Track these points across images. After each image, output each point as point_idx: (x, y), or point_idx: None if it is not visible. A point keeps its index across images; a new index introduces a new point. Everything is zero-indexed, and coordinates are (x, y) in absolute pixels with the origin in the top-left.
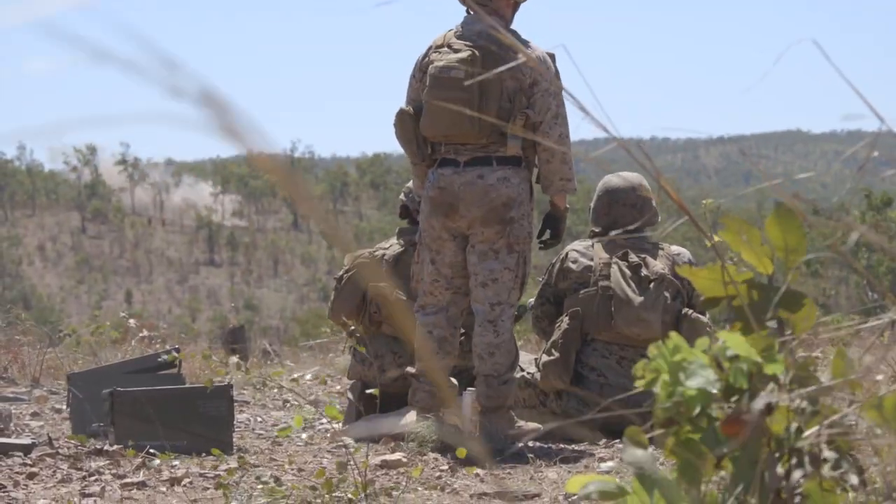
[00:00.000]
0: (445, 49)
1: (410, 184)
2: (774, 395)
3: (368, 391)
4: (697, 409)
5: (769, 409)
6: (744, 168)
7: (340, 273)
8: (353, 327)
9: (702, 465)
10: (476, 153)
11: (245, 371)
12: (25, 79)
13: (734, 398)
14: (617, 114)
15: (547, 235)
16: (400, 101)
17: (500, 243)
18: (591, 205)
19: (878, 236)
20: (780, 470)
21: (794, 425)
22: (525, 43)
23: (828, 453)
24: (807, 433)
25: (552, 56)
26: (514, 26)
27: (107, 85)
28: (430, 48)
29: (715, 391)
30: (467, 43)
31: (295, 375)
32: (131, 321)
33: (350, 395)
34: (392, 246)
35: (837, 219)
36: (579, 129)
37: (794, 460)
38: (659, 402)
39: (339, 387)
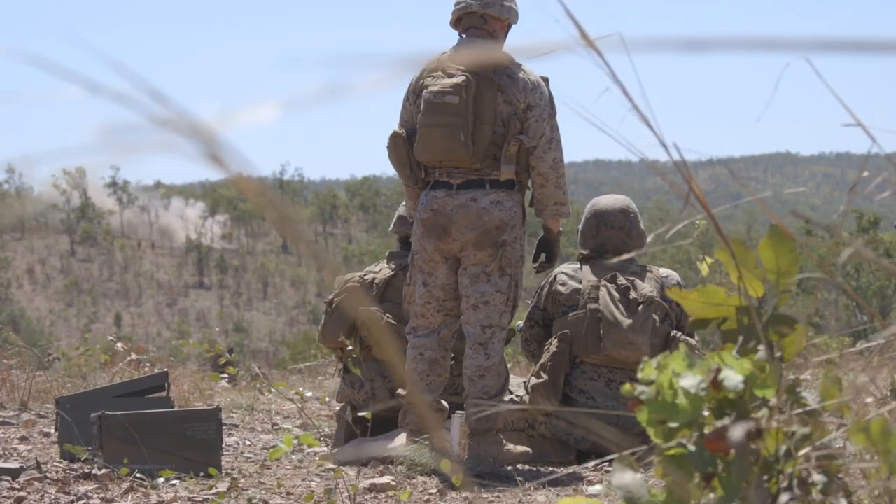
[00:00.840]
0: (440, 73)
1: (401, 210)
2: (754, 423)
3: (360, 414)
4: (688, 408)
5: (758, 431)
6: (733, 190)
7: (330, 297)
8: (349, 347)
9: (690, 487)
10: (469, 176)
11: (253, 376)
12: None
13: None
14: (606, 136)
15: (542, 259)
16: (391, 123)
17: (492, 266)
18: (580, 227)
19: (871, 253)
20: (768, 493)
21: (783, 447)
22: (519, 66)
23: (816, 476)
24: (796, 456)
25: (546, 81)
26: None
27: (95, 112)
28: (423, 71)
29: (704, 392)
30: (461, 67)
31: (299, 389)
32: (119, 344)
33: (341, 418)
34: (382, 270)
35: (833, 235)
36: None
37: (783, 483)
38: (649, 406)
39: (327, 410)
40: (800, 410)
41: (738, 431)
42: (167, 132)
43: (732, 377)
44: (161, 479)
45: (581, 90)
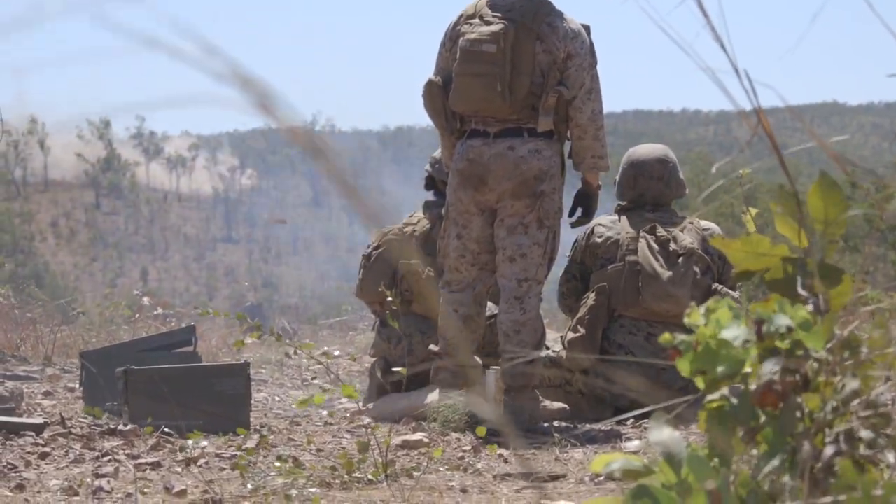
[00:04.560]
0: (477, 20)
1: (437, 154)
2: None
3: (396, 369)
4: (730, 359)
5: (805, 384)
6: (778, 141)
7: (369, 250)
8: (390, 299)
9: (734, 441)
10: (507, 124)
11: (276, 336)
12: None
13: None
14: (648, 85)
15: (579, 213)
16: (426, 72)
17: (529, 217)
18: (617, 178)
19: None
20: (814, 448)
21: (830, 402)
22: (560, 15)
23: (863, 432)
24: (844, 410)
25: (587, 28)
26: None
27: (148, 70)
28: (460, 16)
29: (749, 343)
30: (499, 15)
31: (326, 348)
32: (145, 299)
33: (373, 375)
34: (420, 221)
35: (879, 188)
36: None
37: (828, 438)
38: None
39: (358, 366)
40: (849, 362)
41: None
42: (221, 85)
43: (779, 319)
44: (189, 442)
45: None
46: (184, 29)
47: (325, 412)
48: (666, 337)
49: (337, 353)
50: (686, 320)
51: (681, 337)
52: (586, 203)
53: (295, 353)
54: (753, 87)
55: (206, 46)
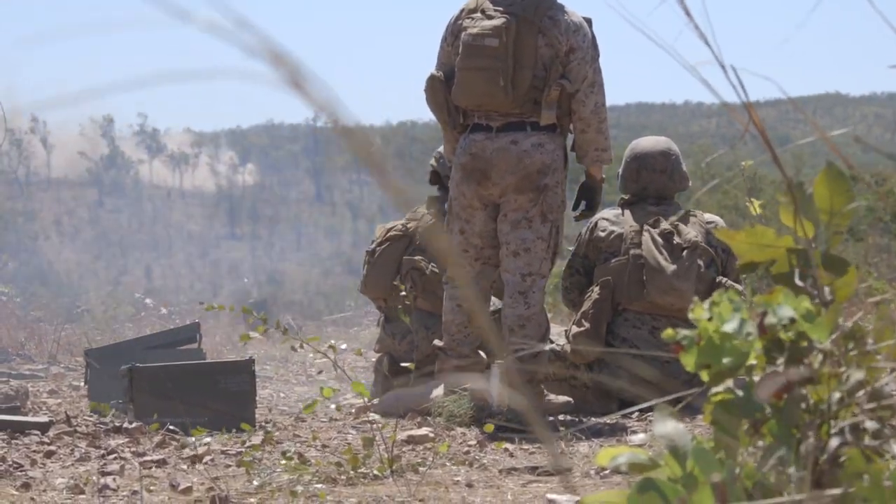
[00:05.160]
0: (479, 14)
1: (441, 149)
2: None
3: (403, 364)
4: (733, 352)
5: (809, 376)
6: (780, 133)
7: (373, 246)
8: (403, 293)
9: (739, 434)
10: (509, 118)
11: (283, 330)
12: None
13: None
14: (650, 78)
15: (582, 207)
16: (428, 67)
17: (533, 212)
18: (620, 171)
19: None
20: (819, 439)
21: (835, 394)
22: (561, 8)
23: (868, 423)
24: (849, 401)
25: (589, 21)
26: None
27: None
28: (462, 11)
29: (752, 336)
30: (500, 9)
31: (332, 342)
32: (147, 300)
33: (378, 370)
34: (424, 216)
35: (878, 182)
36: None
37: (833, 429)
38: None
39: (363, 361)
40: (854, 353)
41: (765, 389)
42: (252, 60)
43: (781, 311)
44: (192, 439)
45: (636, 2)
46: (216, 2)
47: (332, 405)
48: (669, 332)
49: (343, 346)
50: (690, 315)
51: (683, 332)
52: (590, 197)
53: (301, 346)
54: (742, 83)
55: (238, 20)
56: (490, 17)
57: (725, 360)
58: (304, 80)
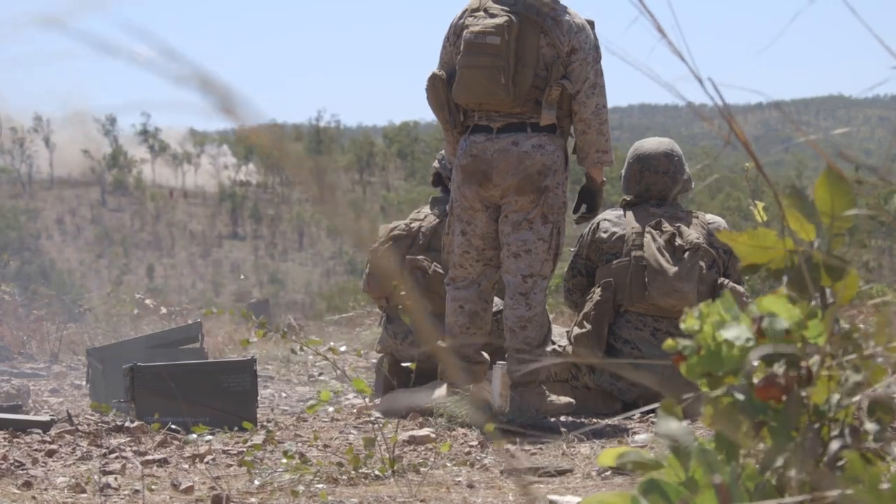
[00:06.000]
0: (481, 13)
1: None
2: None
3: (404, 364)
4: (734, 357)
5: (808, 378)
6: (783, 135)
7: (375, 245)
8: (403, 293)
9: (739, 436)
10: (510, 119)
11: (281, 333)
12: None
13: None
14: (651, 80)
15: (583, 209)
16: (430, 66)
17: (534, 213)
18: (622, 173)
19: None
20: (819, 441)
21: (834, 396)
22: (564, 9)
23: (869, 425)
24: (848, 403)
25: (591, 23)
26: None
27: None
28: (465, 10)
29: (751, 343)
30: (504, 7)
31: (332, 344)
32: (147, 301)
33: (379, 370)
34: (427, 217)
35: (884, 178)
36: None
37: (834, 431)
38: (694, 360)
39: (364, 362)
40: (852, 356)
41: (756, 354)
42: (183, 89)
43: (778, 322)
44: (194, 436)
45: (610, 21)
46: (144, 33)
47: (331, 409)
48: (669, 343)
49: (343, 348)
50: (682, 326)
51: (684, 342)
52: (590, 199)
53: (301, 349)
54: (721, 96)
55: (166, 50)
56: (493, 16)
57: (722, 371)
58: (234, 105)
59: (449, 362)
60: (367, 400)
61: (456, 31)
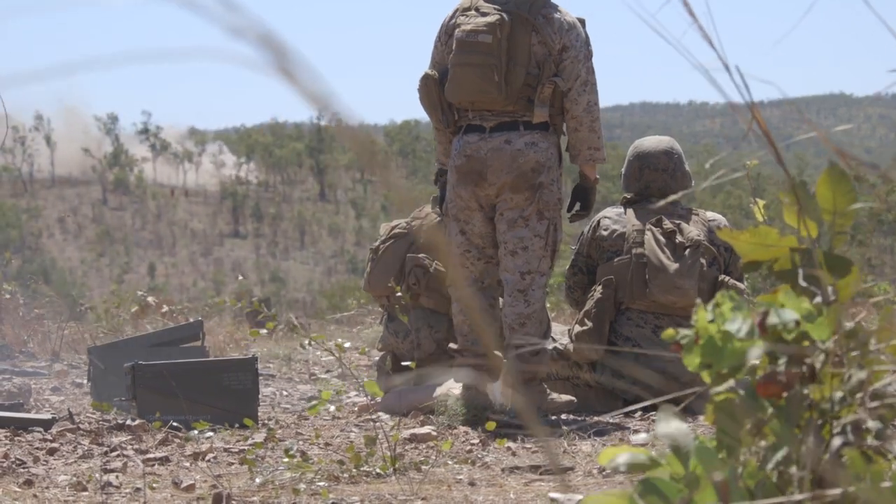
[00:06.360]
0: (473, 12)
1: None
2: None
3: (405, 363)
4: (735, 350)
5: (811, 375)
6: (784, 133)
7: (377, 244)
8: (399, 293)
9: (741, 433)
10: (502, 118)
11: (290, 326)
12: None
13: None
14: (654, 78)
15: (577, 207)
16: (428, 65)
17: (529, 210)
18: (622, 170)
19: None
20: (821, 439)
21: (837, 393)
22: (555, 7)
23: (871, 423)
24: (850, 401)
25: (582, 21)
26: None
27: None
28: (456, 10)
29: (750, 336)
30: (495, 6)
31: (338, 340)
32: (150, 299)
33: (381, 368)
34: (428, 216)
35: (884, 180)
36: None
37: (836, 429)
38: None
39: (366, 360)
40: (856, 353)
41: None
42: (237, 41)
43: (784, 314)
44: (195, 432)
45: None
46: None
47: (332, 407)
48: (669, 332)
49: (348, 344)
50: (694, 319)
51: (683, 331)
52: (584, 197)
53: (310, 344)
54: (746, 83)
55: (224, 1)
56: (484, 14)
57: (727, 361)
58: (294, 66)
59: (463, 363)
60: (369, 399)
61: (448, 30)
